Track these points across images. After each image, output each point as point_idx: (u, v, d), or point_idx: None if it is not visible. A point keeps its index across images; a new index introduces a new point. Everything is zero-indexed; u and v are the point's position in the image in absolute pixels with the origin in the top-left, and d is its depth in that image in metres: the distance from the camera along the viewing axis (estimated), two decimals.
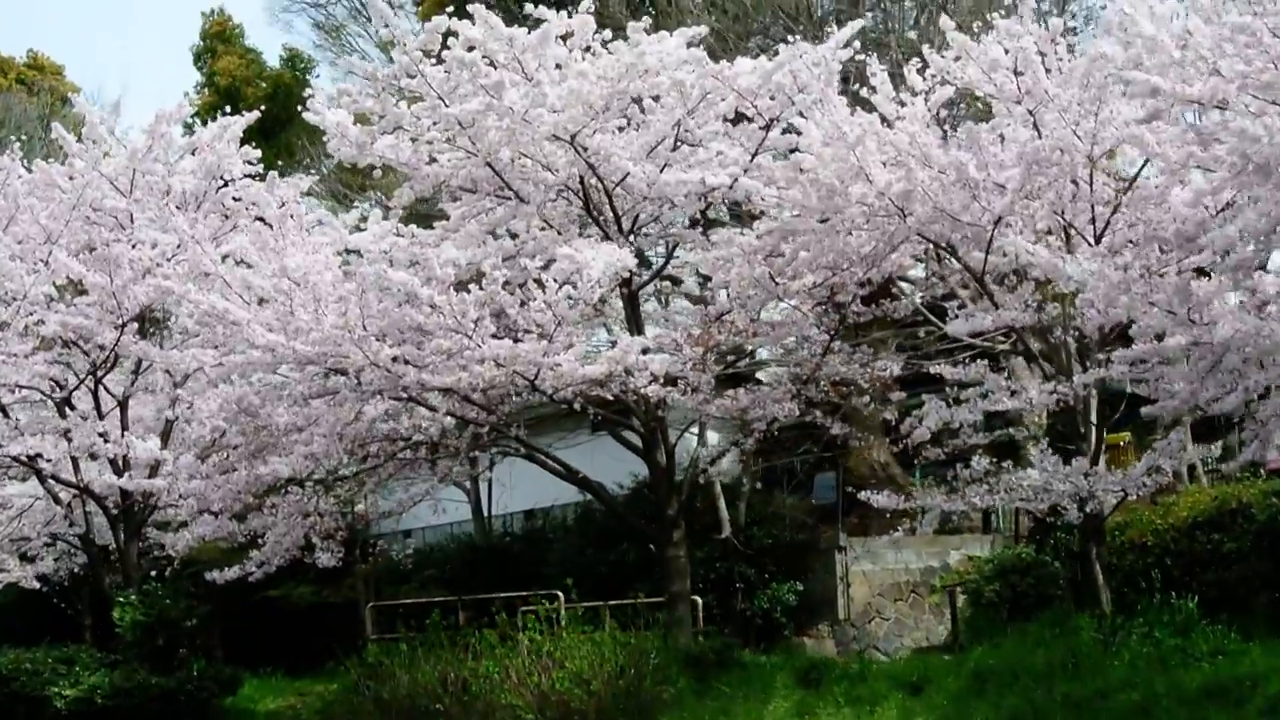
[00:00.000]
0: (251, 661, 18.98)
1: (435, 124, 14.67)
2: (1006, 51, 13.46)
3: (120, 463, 16.72)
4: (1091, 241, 13.21)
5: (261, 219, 15.49)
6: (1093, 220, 13.37)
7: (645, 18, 15.11)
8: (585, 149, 14.48)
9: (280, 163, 25.58)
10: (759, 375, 17.38)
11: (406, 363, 13.88)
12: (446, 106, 14.16)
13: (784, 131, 14.67)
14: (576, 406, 14.74)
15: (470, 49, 14.03)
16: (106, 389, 17.36)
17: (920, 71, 14.33)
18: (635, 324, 15.70)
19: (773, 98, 14.42)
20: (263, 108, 19.11)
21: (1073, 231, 13.63)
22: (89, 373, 16.97)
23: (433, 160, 15.33)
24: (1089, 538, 13.96)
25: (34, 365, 16.53)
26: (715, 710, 13.94)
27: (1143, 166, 13.28)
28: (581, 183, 15.14)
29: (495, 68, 14.18)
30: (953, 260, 14.54)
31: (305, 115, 15.20)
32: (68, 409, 16.86)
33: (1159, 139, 12.20)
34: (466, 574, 19.80)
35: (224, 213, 17.41)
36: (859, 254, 14.49)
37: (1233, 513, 14.60)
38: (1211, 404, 12.46)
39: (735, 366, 16.62)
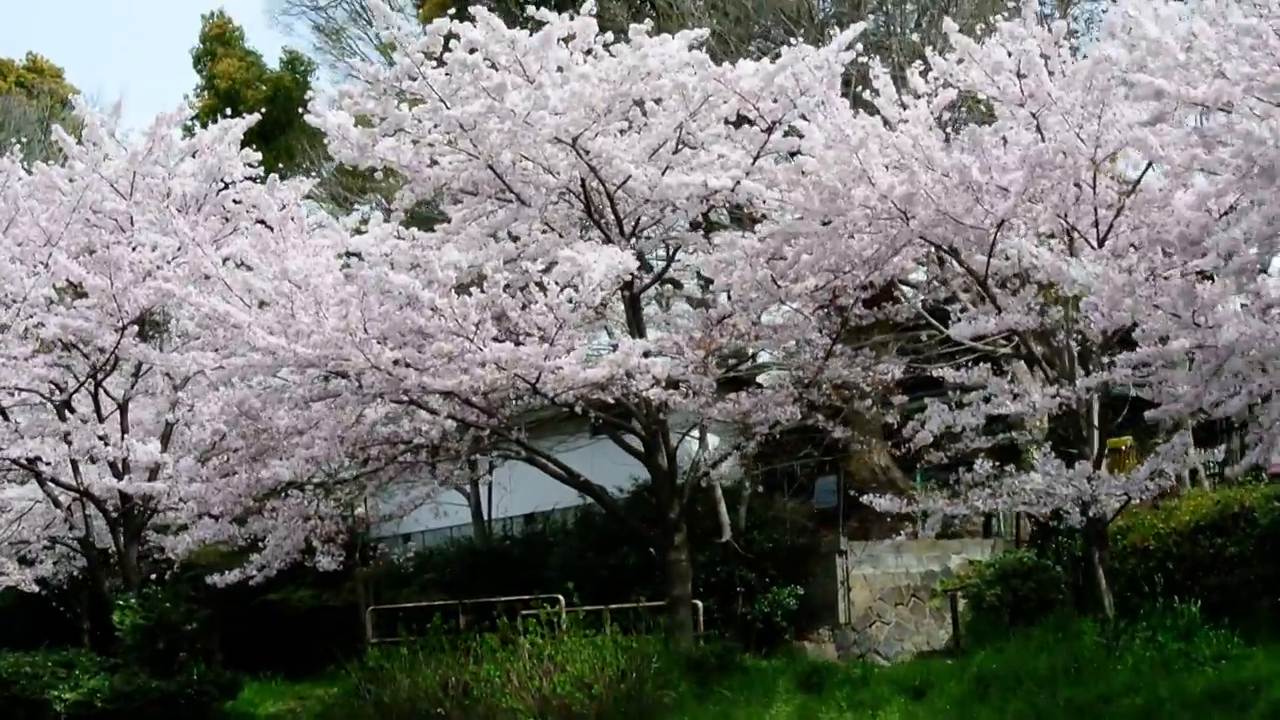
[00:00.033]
0: (251, 665, 18.97)
1: (436, 126, 14.64)
2: (1009, 54, 13.47)
3: (120, 466, 16.71)
4: (1094, 245, 13.18)
5: (262, 221, 15.44)
6: (1096, 223, 13.33)
7: (647, 20, 15.10)
8: (587, 152, 14.47)
9: (280, 165, 25.62)
10: (760, 378, 17.37)
11: (407, 365, 13.85)
12: (448, 109, 14.13)
13: (786, 134, 14.63)
14: (577, 410, 14.70)
15: (472, 51, 14.01)
16: (106, 392, 17.35)
17: (923, 74, 14.32)
18: (637, 327, 15.67)
19: (775, 100, 14.42)
20: (263, 110, 19.15)
21: (1076, 234, 13.59)
22: (89, 375, 16.96)
23: (434, 163, 15.31)
24: (1091, 542, 13.93)
25: (34, 368, 16.51)
26: (716, 714, 13.89)
27: (1146, 169, 13.23)
28: (583, 185, 15.12)
29: (497, 70, 14.15)
30: (955, 263, 14.53)
31: (306, 117, 15.16)
32: (67, 412, 16.84)
33: (1163, 142, 12.18)
34: (467, 577, 19.77)
35: (224, 215, 17.41)
36: (861, 257, 14.47)
37: (1235, 517, 14.62)
38: (1215, 407, 12.40)
39: (737, 370, 16.64)
